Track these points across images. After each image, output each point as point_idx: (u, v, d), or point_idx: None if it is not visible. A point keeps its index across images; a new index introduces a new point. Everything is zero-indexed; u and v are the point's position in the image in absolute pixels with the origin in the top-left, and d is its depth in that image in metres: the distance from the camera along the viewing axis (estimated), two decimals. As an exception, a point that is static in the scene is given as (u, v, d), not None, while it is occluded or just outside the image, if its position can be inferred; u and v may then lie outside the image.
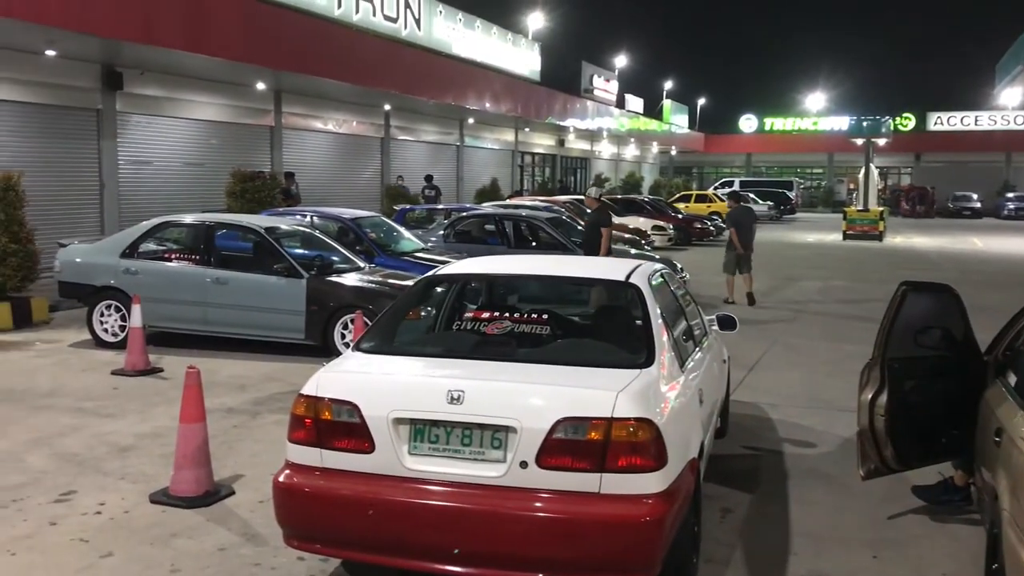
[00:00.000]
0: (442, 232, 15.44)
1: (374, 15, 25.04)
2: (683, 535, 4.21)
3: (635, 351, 4.35)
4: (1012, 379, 4.44)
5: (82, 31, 13.60)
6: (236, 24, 16.98)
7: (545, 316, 4.72)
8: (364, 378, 4.22)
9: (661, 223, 26.49)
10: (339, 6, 23.43)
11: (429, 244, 14.43)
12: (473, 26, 31.06)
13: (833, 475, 6.24)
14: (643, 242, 21.08)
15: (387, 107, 26.10)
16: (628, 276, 4.92)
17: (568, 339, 4.65)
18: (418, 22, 27.32)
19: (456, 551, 3.79)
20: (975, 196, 53.28)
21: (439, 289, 5.38)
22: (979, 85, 65.16)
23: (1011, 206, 50.56)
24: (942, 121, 60.20)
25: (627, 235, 20.83)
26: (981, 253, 27.33)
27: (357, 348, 4.60)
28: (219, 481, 5.67)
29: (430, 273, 5.33)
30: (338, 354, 9.23)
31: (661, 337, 4.47)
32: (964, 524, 5.29)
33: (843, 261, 23.48)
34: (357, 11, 24.23)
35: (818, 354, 10.77)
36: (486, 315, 4.83)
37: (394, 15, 26.05)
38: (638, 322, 4.56)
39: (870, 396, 5.20)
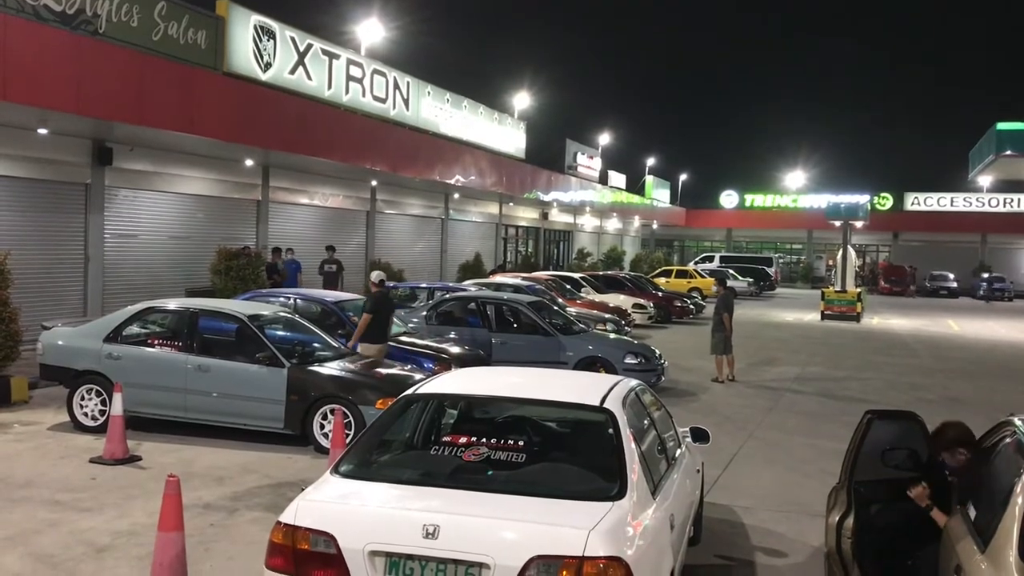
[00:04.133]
0: (424, 313, 15.63)
1: (363, 95, 25.59)
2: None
3: (607, 481, 4.48)
4: (972, 512, 4.57)
5: (77, 113, 13.86)
6: (227, 105, 17.34)
7: (520, 442, 4.85)
8: (341, 508, 4.32)
9: (641, 301, 26.75)
10: (329, 87, 23.96)
11: (411, 326, 14.61)
12: (460, 106, 31.70)
13: (804, 590, 6.33)
14: (623, 322, 21.34)
15: (374, 183, 26.48)
16: (603, 400, 5.07)
17: (543, 466, 4.76)
18: (406, 102, 27.90)
19: None
20: (951, 276, 54.18)
21: (420, 407, 5.50)
22: (955, 168, 66.69)
23: (986, 286, 51.42)
24: (919, 201, 61.48)
25: (607, 315, 21.11)
26: (957, 337, 27.69)
27: (335, 471, 4.70)
28: (195, 589, 5.69)
29: (408, 392, 5.45)
30: (316, 445, 9.45)
31: (634, 466, 4.60)
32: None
33: (821, 345, 23.74)
34: (347, 92, 24.78)
35: (793, 451, 10.90)
36: (463, 439, 4.95)
37: (383, 95, 26.62)
38: (613, 450, 4.69)
39: (837, 519, 5.34)
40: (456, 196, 32.14)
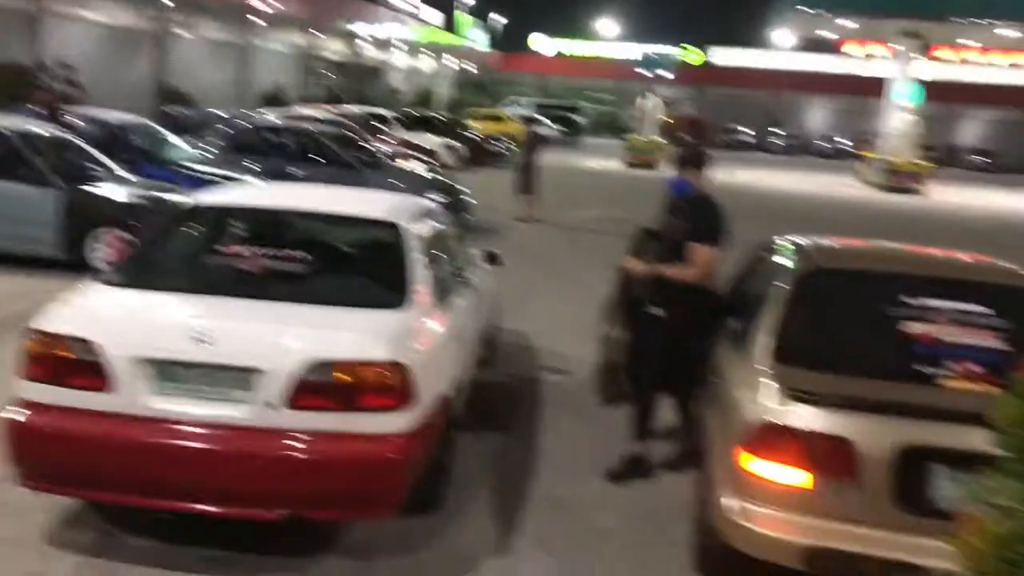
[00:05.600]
0: (219, 141, 14.77)
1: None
2: (433, 469, 4.42)
3: (392, 291, 4.42)
4: (733, 324, 4.87)
5: None
6: None
7: (302, 253, 4.69)
8: (106, 314, 4.07)
9: (452, 142, 26.48)
10: None
11: (202, 154, 13.78)
12: (263, -81, 29.34)
13: (585, 404, 6.64)
14: (432, 162, 21.09)
15: (166, -1, 24.36)
16: (389, 214, 4.96)
17: (326, 277, 4.64)
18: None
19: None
20: (748, 130, 57.04)
21: (197, 218, 5.20)
22: (758, 25, 69.14)
23: (778, 141, 54.90)
24: (722, 56, 63.51)
25: (416, 153, 20.77)
26: (746, 187, 29.31)
27: (102, 280, 4.40)
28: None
29: (188, 202, 5.13)
30: (95, 272, 8.88)
31: (419, 277, 4.56)
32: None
33: (623, 190, 24.50)
34: None
35: (588, 283, 11.28)
36: (240, 249, 4.72)
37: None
38: (397, 261, 4.61)
39: (610, 331, 5.60)
40: (259, 21, 30.13)
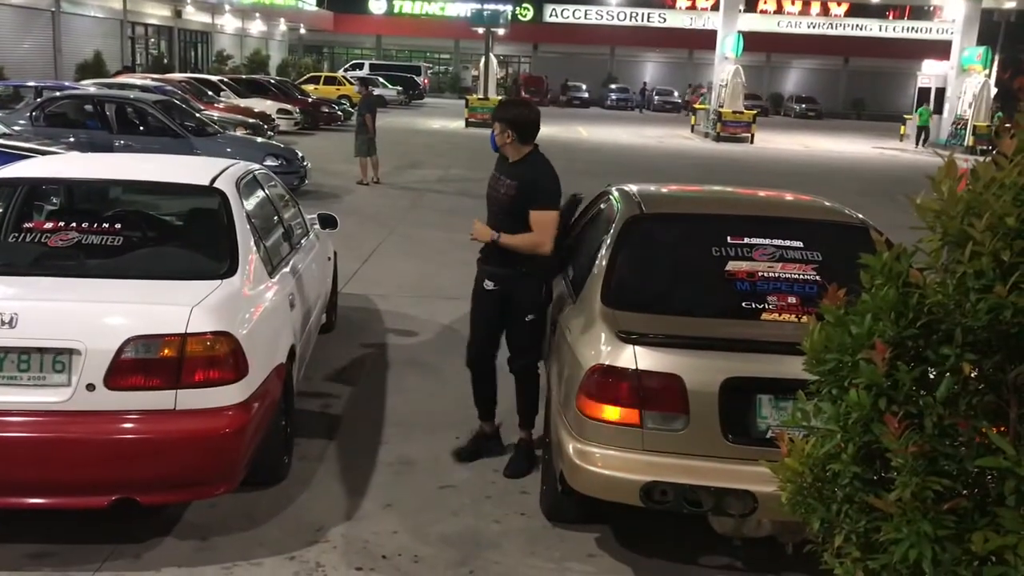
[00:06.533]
0: (30, 113, 13.79)
1: None
2: (272, 439, 4.30)
3: (217, 260, 4.25)
4: (571, 272, 4.95)
5: None
6: None
7: (119, 225, 4.42)
8: None
9: (287, 106, 25.69)
10: None
11: (13, 129, 12.83)
12: None
13: (430, 363, 6.64)
14: (266, 127, 20.42)
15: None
16: (213, 180, 4.73)
17: (146, 249, 4.40)
18: None
19: None
20: (584, 87, 57.99)
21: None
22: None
23: (614, 97, 56.28)
24: (556, 13, 63.91)
25: (250, 119, 20.05)
26: (585, 142, 29.87)
27: None
28: None
29: (-14, 177, 4.75)
30: None
31: (247, 245, 4.40)
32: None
33: (463, 149, 24.46)
34: None
35: (431, 244, 11.25)
36: (49, 225, 4.41)
37: None
38: (222, 230, 4.43)
39: None
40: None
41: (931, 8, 53.25)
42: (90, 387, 3.60)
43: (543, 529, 4.30)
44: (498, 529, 4.29)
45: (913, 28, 58.99)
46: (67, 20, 29.17)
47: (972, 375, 2.01)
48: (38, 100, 14.71)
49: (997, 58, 36.97)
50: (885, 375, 2.05)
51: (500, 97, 35.08)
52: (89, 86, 18.07)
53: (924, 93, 35.83)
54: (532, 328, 4.83)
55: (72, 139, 12.95)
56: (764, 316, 3.95)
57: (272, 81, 30.78)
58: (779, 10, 59.80)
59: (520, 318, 4.80)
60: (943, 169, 2.07)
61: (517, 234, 4.69)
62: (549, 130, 31.85)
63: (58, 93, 15.00)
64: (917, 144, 33.10)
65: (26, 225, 4.55)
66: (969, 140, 31.23)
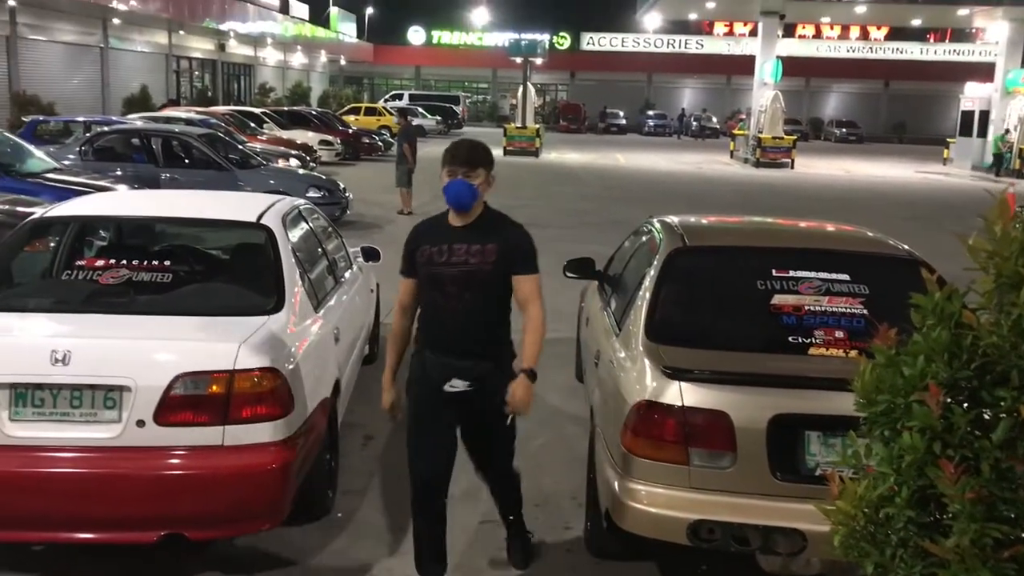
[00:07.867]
0: (79, 148, 14.12)
1: None
2: (316, 474, 4.33)
3: (264, 296, 4.31)
4: (613, 304, 4.94)
5: None
6: None
7: (168, 262, 4.50)
8: (-48, 339, 3.81)
9: (329, 138, 26.07)
10: None
11: (64, 163, 13.15)
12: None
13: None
14: (309, 158, 20.71)
15: (11, 2, 23.04)
16: (260, 217, 4.81)
17: (193, 286, 4.48)
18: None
19: None
20: (621, 113, 58.17)
21: (49, 232, 4.94)
22: (627, 9, 70.25)
23: (651, 123, 56.47)
24: (594, 41, 64.29)
25: (293, 151, 20.35)
26: (622, 169, 29.87)
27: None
28: None
29: (36, 214, 4.86)
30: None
31: (293, 280, 4.46)
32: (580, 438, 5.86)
33: (501, 178, 24.41)
34: None
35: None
36: (100, 262, 4.51)
37: None
38: (268, 265, 4.49)
39: None
40: (116, 21, 28.91)
41: (973, 30, 52.76)
42: (140, 423, 3.65)
43: (589, 565, 4.27)
44: (543, 565, 4.26)
45: (955, 51, 58.47)
46: (115, 55, 29.88)
47: (1030, 418, 1.96)
48: (87, 135, 15.07)
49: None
50: (939, 418, 2.01)
51: (538, 126, 35.31)
52: (136, 120, 18.45)
53: (967, 116, 35.35)
54: (513, 424, 3.84)
55: (120, 173, 13.24)
56: (811, 351, 3.90)
57: (314, 112, 31.20)
58: (817, 35, 59.63)
59: (501, 421, 3.74)
60: (995, 209, 2.04)
61: (501, 318, 3.80)
62: (586, 157, 32.34)
63: (106, 128, 15.32)
64: (998, 172, 31.02)
65: (78, 263, 4.65)
66: (1015, 163, 30.70)
